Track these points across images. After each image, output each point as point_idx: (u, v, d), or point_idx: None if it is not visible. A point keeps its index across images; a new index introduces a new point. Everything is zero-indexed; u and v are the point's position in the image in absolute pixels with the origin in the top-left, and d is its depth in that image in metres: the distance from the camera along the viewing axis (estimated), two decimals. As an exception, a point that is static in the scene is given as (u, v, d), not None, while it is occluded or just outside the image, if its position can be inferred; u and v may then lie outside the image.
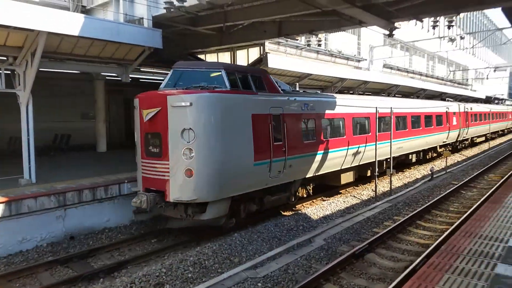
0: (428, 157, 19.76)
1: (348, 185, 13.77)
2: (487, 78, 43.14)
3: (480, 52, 56.35)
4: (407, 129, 16.31)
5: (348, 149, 12.27)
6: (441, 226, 9.39)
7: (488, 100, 42.54)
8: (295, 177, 10.41)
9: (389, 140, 13.67)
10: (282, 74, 17.52)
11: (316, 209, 11.16)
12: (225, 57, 16.25)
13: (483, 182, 14.76)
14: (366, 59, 28.58)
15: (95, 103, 17.28)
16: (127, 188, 9.92)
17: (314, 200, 12.35)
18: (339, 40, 25.69)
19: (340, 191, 13.49)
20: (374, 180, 13.22)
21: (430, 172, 15.52)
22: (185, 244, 8.66)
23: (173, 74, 8.99)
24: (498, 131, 37.59)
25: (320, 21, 10.96)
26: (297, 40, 17.05)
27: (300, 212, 10.80)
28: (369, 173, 14.24)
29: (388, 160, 14.08)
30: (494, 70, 39.08)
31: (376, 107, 12.81)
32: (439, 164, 19.17)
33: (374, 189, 13.18)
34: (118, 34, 10.60)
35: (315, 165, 11.02)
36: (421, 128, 17.64)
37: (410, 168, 18.09)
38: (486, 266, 4.36)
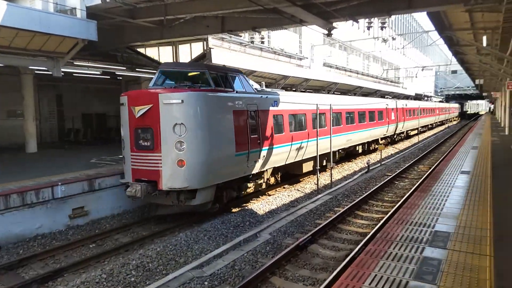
0: (371, 148, 21.73)
1: (308, 173, 14.98)
2: (416, 77, 46.79)
3: (410, 53, 60.94)
4: (354, 124, 18.22)
5: (308, 141, 13.45)
6: (377, 215, 10.01)
7: (418, 97, 46.28)
8: (267, 166, 11.65)
9: (340, 134, 15.62)
10: (226, 70, 17.47)
11: (262, 204, 11.32)
12: (166, 51, 15.80)
13: (414, 173, 16.01)
14: (307, 58, 29.51)
15: (22, 99, 15.84)
16: (61, 191, 9.24)
17: (267, 193, 12.53)
18: (282, 38, 26.23)
19: (300, 179, 14.59)
20: (316, 174, 13.74)
21: (366, 165, 16.49)
22: (126, 247, 8.29)
23: (160, 73, 9.98)
24: (427, 125, 41.60)
25: (263, 18, 11.08)
26: (241, 36, 17.07)
27: (246, 208, 10.87)
28: (324, 163, 15.46)
29: (340, 151, 15.04)
30: (422, 69, 42.49)
31: (330, 104, 13.98)
32: (374, 157, 20.45)
33: (316, 183, 13.69)
34: (47, 25, 9.80)
35: (283, 156, 12.36)
36: (366, 122, 19.71)
37: (351, 161, 19.06)
38: (416, 250, 4.73)
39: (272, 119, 11.63)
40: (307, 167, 14.27)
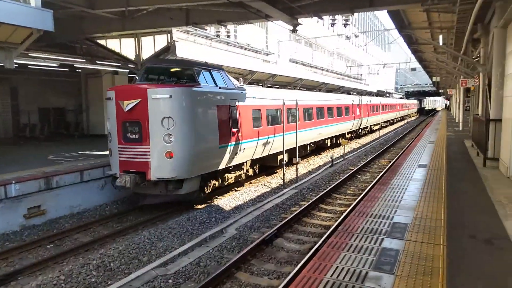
0: (338, 142, 22.84)
1: (281, 165, 15.34)
2: (378, 74, 48.35)
3: (372, 50, 62.86)
4: (324, 118, 19.39)
5: (283, 135, 13.89)
6: (340, 208, 10.28)
7: (380, 93, 47.93)
8: (246, 158, 12.38)
9: (312, 128, 16.81)
10: (192, 65, 17.19)
11: (228, 200, 11.29)
12: (129, 43, 15.29)
13: (375, 166, 16.58)
14: (274, 53, 29.65)
15: (-30, 92, 14.78)
16: (15, 190, 8.74)
17: (234, 188, 12.50)
18: (249, 33, 26.16)
19: (276, 171, 15.16)
20: (283, 169, 13.90)
21: (330, 159, 16.89)
22: (87, 247, 7.99)
23: (147, 69, 10.34)
24: (389, 121, 43.70)
25: (228, 12, 10.98)
26: (206, 30, 16.83)
27: (213, 204, 10.81)
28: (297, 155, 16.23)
29: (312, 144, 16.70)
30: (383, 67, 44.02)
31: (296, 100, 14.36)
32: (338, 151, 20.98)
33: (282, 177, 13.84)
34: (-5, 13, 9.12)
35: (261, 148, 13.13)
36: (334, 117, 21.01)
37: (316, 155, 19.44)
38: (375, 242, 4.91)
39: (251, 114, 12.33)
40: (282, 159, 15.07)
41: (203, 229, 8.79)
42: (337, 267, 4.19)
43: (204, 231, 8.48)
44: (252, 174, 13.53)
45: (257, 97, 13.02)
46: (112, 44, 15.64)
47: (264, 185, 13.30)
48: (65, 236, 8.62)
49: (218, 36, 18.92)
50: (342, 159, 18.22)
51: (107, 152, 13.31)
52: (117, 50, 15.72)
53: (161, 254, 7.29)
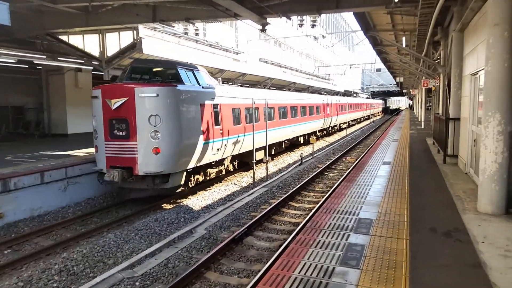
0: (310, 140, 23.56)
1: (259, 161, 16.11)
2: (345, 74, 49.50)
3: (339, 51, 64.28)
4: (298, 117, 20.40)
5: (260, 132, 14.87)
6: (309, 205, 10.44)
7: (347, 93, 49.15)
8: (227, 154, 12.95)
9: (287, 125, 18.05)
10: (159, 62, 16.82)
11: (198, 199, 11.17)
12: (92, 40, 14.74)
13: (342, 164, 16.98)
14: (244, 52, 29.63)
15: None
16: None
17: (205, 188, 12.37)
18: (218, 31, 25.98)
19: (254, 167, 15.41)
20: (253, 167, 13.93)
21: (300, 158, 17.12)
22: (48, 251, 7.64)
23: (132, 69, 10.60)
24: (356, 119, 45.44)
25: (197, 9, 10.83)
26: (174, 27, 16.54)
27: (181, 204, 10.65)
28: (273, 152, 17.41)
29: (286, 141, 18.02)
30: (350, 67, 45.12)
31: (266, 99, 14.95)
32: (307, 150, 21.31)
33: (252, 176, 13.87)
34: None
35: (240, 145, 13.81)
36: (307, 116, 22.15)
37: (286, 154, 19.63)
38: (342, 237, 5.02)
39: (232, 112, 13.01)
40: (259, 155, 15.55)
41: (171, 229, 8.64)
42: (305, 263, 4.25)
43: (173, 232, 8.35)
44: (232, 170, 14.15)
45: (237, 96, 13.69)
46: (75, 40, 15.00)
47: (235, 184, 13.27)
48: (25, 241, 8.20)
49: (186, 33, 18.64)
50: (311, 157, 18.51)
51: (69, 152, 12.87)
52: (80, 47, 15.10)
53: (128, 256, 7.10)
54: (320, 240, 4.91)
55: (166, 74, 10.69)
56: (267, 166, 14.47)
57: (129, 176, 9.79)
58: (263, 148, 15.18)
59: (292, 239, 7.16)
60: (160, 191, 10.32)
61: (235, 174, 14.96)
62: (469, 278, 3.77)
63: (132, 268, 6.42)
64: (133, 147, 9.69)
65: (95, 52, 15.08)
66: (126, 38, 14.32)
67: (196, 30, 18.46)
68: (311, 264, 4.23)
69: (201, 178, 11.76)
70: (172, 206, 10.57)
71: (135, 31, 13.82)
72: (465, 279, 3.77)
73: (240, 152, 14.06)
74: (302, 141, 22.12)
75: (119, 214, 10.11)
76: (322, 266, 4.16)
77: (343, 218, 5.85)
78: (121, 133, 9.80)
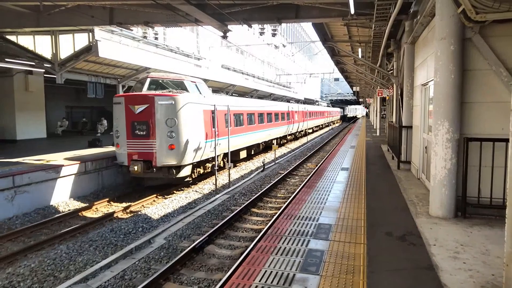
0: (282, 142, 27.38)
1: (243, 159, 19.32)
2: (305, 83, 50.67)
3: (299, 60, 65.79)
4: (272, 122, 23.47)
5: (244, 134, 17.65)
6: (271, 211, 10.48)
7: (307, 101, 50.36)
8: (221, 152, 15.39)
9: (264, 129, 21.62)
10: (117, 66, 16.27)
11: (157, 208, 10.85)
12: (44, 41, 13.97)
13: (303, 170, 17.27)
14: (205, 58, 29.44)
15: None
16: None
17: (164, 196, 12.01)
18: (179, 36, 25.65)
19: (237, 164, 17.99)
20: (215, 174, 13.79)
21: (262, 164, 17.20)
22: (-9, 267, 7.05)
23: (150, 82, 13.20)
24: (319, 126, 48.43)
25: (156, 13, 10.62)
26: (132, 30, 16.10)
27: (139, 213, 10.29)
28: (253, 152, 20.50)
29: (263, 143, 21.40)
30: (310, 76, 46.27)
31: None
32: (269, 156, 21.48)
33: (214, 183, 13.72)
34: None
35: (230, 144, 15.66)
36: (279, 121, 25.40)
37: (249, 160, 19.65)
38: (302, 243, 5.06)
39: (224, 117, 15.54)
40: (242, 154, 18.62)
41: (128, 240, 8.31)
42: (265, 271, 4.23)
43: (130, 242, 8.03)
44: (223, 166, 16.05)
45: (229, 104, 16.05)
46: (25, 41, 14.12)
47: (196, 191, 13.05)
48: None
49: (145, 37, 18.21)
50: (273, 163, 18.67)
51: (18, 159, 12.32)
52: (31, 48, 14.25)
53: (81, 269, 6.72)
54: (281, 247, 4.92)
55: (176, 85, 13.29)
56: (229, 173, 14.39)
57: (149, 167, 12.12)
58: (245, 148, 18.41)
59: (253, 247, 7.13)
60: (172, 180, 12.73)
61: (197, 182, 14.74)
62: (422, 281, 3.93)
63: (86, 281, 6.08)
64: (152, 144, 12.11)
65: (47, 54, 14.31)
66: (81, 40, 13.71)
67: (156, 34, 18.15)
68: (271, 271, 4.22)
69: (201, 171, 14.27)
70: (129, 215, 10.18)
71: (90, 33, 13.28)
72: (419, 281, 3.93)
73: (231, 150, 16.28)
74: (275, 143, 24.98)
75: (71, 224, 9.58)
76: (282, 273, 4.17)
77: (303, 224, 5.92)
78: (141, 132, 12.18)
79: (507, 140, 3.40)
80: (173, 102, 11.93)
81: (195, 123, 12.69)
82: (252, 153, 18.62)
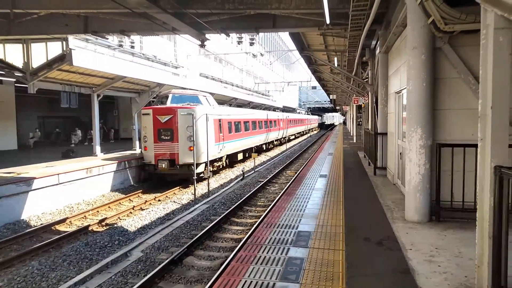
0: (269, 147, 30.96)
1: (240, 161, 22.39)
2: (283, 91, 51.15)
3: (277, 69, 66.49)
4: (262, 129, 26.89)
5: (241, 139, 21.10)
6: (251, 220, 10.43)
7: (286, 109, 50.84)
8: (225, 153, 18.86)
9: (259, 134, 25.97)
10: (92, 75, 15.95)
11: (134, 220, 10.61)
12: (15, 49, 13.54)
13: (282, 178, 17.34)
14: (183, 67, 29.26)
15: None
16: None
17: (141, 207, 11.73)
18: (156, 45, 25.44)
19: (220, 172, 19.48)
20: (193, 184, 13.64)
21: (242, 172, 17.16)
22: (-45, 287, 6.67)
23: (172, 97, 16.93)
24: (300, 132, 51.46)
25: (132, 22, 10.49)
26: (108, 39, 15.85)
27: (115, 226, 10.03)
28: (247, 154, 23.67)
29: (256, 147, 25.29)
30: (288, 84, 46.77)
31: (239, 113, 20.05)
32: (249, 164, 21.46)
33: (193, 193, 13.56)
34: None
35: (231, 147, 19.51)
36: (268, 128, 28.76)
37: (228, 169, 19.54)
38: (282, 252, 5.05)
39: (227, 124, 18.86)
40: (240, 156, 21.75)
41: (104, 254, 8.07)
42: (245, 281, 4.18)
43: (106, 256, 7.80)
44: (225, 166, 19.14)
45: (231, 113, 20.17)
46: (-6, 49, 13.66)
47: (174, 201, 12.86)
48: None
49: (121, 46, 17.95)
50: (253, 171, 18.66)
51: None
52: (1, 57, 13.77)
53: (54, 286, 6.46)
54: (261, 256, 4.89)
55: (191, 98, 17.09)
56: (208, 182, 14.27)
57: (172, 165, 15.23)
58: (242, 151, 21.93)
59: (233, 257, 7.06)
60: (189, 175, 14.67)
61: (175, 191, 14.55)
62: (400, 285, 3.99)
63: (58, 299, 5.84)
64: (175, 146, 15.35)
65: (19, 63, 13.86)
66: (54, 49, 13.36)
67: (132, 42, 17.95)
68: (251, 281, 4.18)
69: (211, 168, 16.85)
70: (105, 228, 9.91)
71: (64, 42, 12.97)
72: (396, 285, 3.99)
73: (231, 153, 19.93)
74: (265, 148, 28.88)
75: (44, 239, 9.21)
76: (262, 282, 4.13)
77: (283, 232, 5.91)
78: (166, 137, 15.47)
79: (476, 146, 3.53)
80: (192, 113, 14.30)
81: (208, 129, 14.89)
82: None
